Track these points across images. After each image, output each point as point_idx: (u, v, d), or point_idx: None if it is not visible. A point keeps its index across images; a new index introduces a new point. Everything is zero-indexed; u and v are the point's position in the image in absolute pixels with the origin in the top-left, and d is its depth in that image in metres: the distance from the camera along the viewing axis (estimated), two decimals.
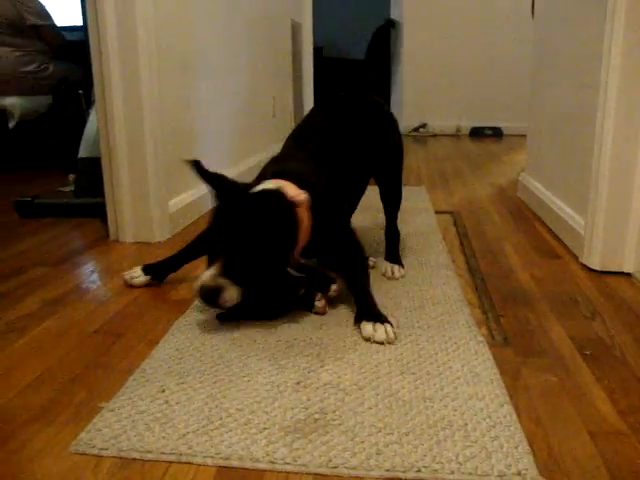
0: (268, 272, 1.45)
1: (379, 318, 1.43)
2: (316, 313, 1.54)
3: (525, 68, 3.46)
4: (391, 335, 1.39)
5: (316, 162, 1.66)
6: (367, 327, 1.41)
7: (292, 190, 1.47)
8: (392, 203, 2.02)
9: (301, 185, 1.50)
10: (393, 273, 1.83)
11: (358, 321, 1.45)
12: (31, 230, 2.35)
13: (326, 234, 1.55)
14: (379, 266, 1.89)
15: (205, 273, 1.39)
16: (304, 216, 1.47)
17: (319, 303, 1.54)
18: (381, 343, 1.37)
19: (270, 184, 1.48)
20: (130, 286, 1.74)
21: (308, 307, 1.55)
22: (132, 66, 2.13)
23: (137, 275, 1.76)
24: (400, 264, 1.89)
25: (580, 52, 2.12)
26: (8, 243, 2.22)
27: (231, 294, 1.39)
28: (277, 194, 1.43)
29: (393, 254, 1.94)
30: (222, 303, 1.40)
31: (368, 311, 1.47)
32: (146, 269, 1.78)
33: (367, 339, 1.39)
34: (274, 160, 1.73)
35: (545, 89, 2.65)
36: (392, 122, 2.01)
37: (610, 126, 1.81)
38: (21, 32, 3.63)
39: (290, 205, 1.43)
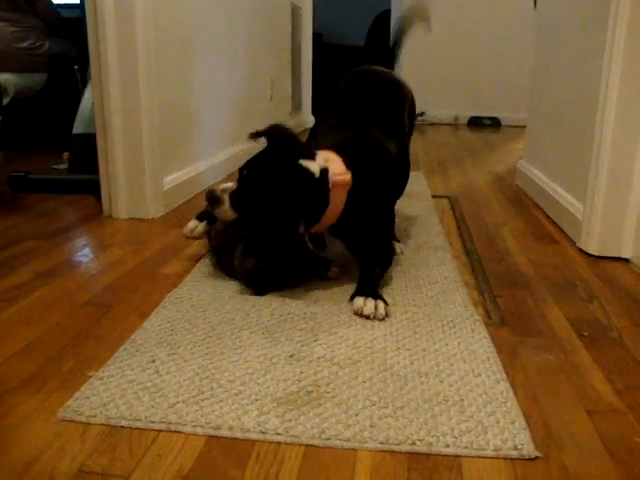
0: (269, 228, 1.46)
1: (373, 295, 1.41)
2: (328, 278, 1.58)
3: (525, 57, 3.44)
4: (380, 311, 1.37)
5: (382, 140, 1.63)
6: (358, 301, 1.40)
7: (338, 168, 1.45)
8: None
9: (353, 165, 1.48)
10: (401, 249, 1.85)
11: (352, 297, 1.44)
12: (24, 205, 2.32)
13: (358, 220, 1.52)
14: None
15: (227, 185, 1.47)
16: (338, 198, 1.45)
17: (334, 268, 1.60)
18: (367, 317, 1.36)
19: (321, 157, 1.45)
20: (195, 238, 1.72)
21: (320, 274, 1.58)
22: (129, 42, 2.10)
23: (194, 225, 1.70)
24: (398, 240, 1.90)
25: (583, 39, 2.10)
26: (0, 217, 2.19)
27: (223, 211, 1.46)
28: (308, 175, 1.40)
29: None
30: (215, 212, 1.49)
31: (365, 288, 1.45)
32: (200, 217, 1.72)
33: (356, 312, 1.38)
34: (337, 128, 1.70)
35: (546, 75, 2.63)
36: (413, 99, 1.98)
37: (611, 112, 1.78)
38: (17, 7, 3.58)
39: (316, 191, 1.42)
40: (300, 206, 1.41)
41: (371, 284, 1.48)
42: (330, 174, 1.42)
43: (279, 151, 1.46)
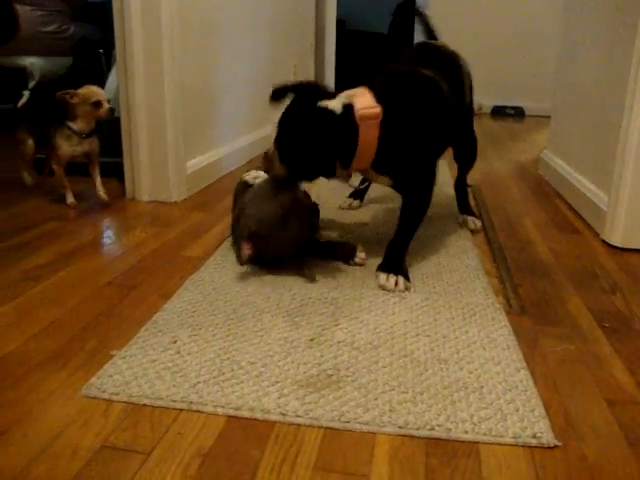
0: (310, 172, 1.51)
1: (395, 270, 1.49)
2: (354, 264, 1.62)
3: (550, 47, 3.40)
4: (400, 286, 1.45)
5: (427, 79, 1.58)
6: (382, 276, 1.49)
7: (365, 102, 1.42)
8: (469, 158, 2.06)
9: (386, 97, 1.45)
10: (475, 224, 1.98)
11: (378, 269, 1.52)
12: (48, 187, 2.34)
13: (396, 152, 1.48)
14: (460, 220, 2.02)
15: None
16: (368, 131, 1.41)
17: (361, 254, 1.62)
18: (390, 291, 1.45)
19: (345, 95, 1.45)
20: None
21: (345, 259, 1.62)
22: (154, 26, 2.10)
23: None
24: (475, 215, 2.02)
25: (612, 26, 2.06)
26: (25, 199, 2.22)
27: (275, 168, 1.51)
28: (327, 113, 1.40)
29: (466, 206, 2.05)
30: (269, 170, 1.57)
31: (389, 262, 1.52)
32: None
33: (380, 287, 1.47)
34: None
35: (573, 63, 2.59)
36: (470, 75, 1.93)
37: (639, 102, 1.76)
38: None
39: (339, 127, 1.40)
40: (327, 145, 1.40)
41: (396, 256, 1.53)
42: (356, 109, 1.40)
43: (300, 100, 1.46)
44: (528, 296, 1.47)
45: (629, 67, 1.79)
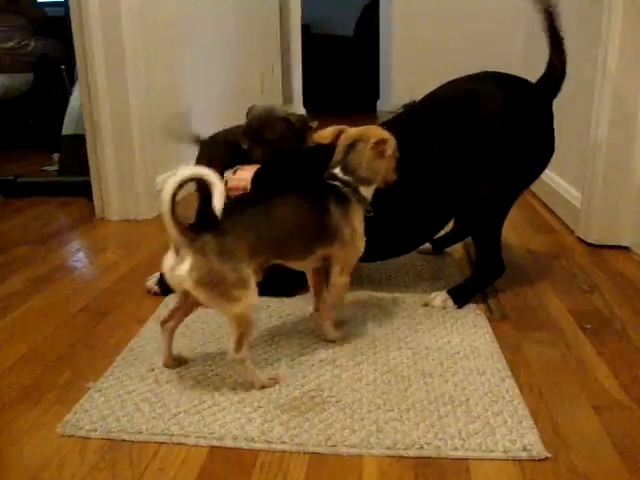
0: None
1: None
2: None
3: (517, 44, 3.42)
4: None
5: None
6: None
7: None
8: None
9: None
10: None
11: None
12: (14, 209, 2.29)
13: None
14: None
15: None
16: None
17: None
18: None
19: None
20: None
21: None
22: (116, 39, 2.06)
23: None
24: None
25: (579, 20, 2.07)
26: None
27: None
28: None
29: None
30: None
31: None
32: None
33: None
34: None
35: (540, 60, 2.60)
36: None
37: (608, 97, 1.77)
38: None
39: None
40: None
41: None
42: None
43: None
44: (508, 301, 1.46)
45: (596, 64, 1.80)
